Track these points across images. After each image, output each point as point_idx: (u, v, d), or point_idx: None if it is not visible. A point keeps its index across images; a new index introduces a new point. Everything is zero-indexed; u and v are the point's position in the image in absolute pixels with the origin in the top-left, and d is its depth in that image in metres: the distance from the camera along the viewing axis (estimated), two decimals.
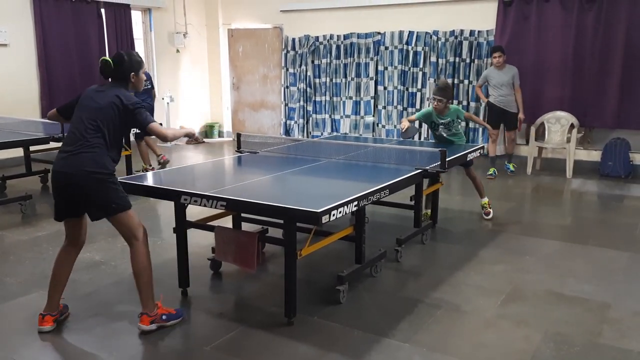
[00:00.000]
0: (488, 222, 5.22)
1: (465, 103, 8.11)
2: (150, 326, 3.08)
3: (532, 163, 7.48)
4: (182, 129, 3.54)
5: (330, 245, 3.72)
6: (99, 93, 3.07)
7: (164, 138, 3.22)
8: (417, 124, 5.33)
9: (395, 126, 8.77)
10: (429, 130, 5.36)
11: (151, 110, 7.03)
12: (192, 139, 3.61)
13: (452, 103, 5.14)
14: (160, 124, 3.38)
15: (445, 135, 5.13)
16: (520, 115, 7.20)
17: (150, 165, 7.18)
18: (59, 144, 5.97)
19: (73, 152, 2.95)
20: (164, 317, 3.14)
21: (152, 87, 7.55)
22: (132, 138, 7.05)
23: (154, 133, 3.15)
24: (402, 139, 5.30)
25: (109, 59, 3.11)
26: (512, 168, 7.39)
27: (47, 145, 5.91)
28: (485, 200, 5.30)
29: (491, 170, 7.15)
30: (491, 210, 5.27)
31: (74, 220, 3.12)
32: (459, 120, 5.17)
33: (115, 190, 3.01)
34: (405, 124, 5.03)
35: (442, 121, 5.08)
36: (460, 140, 5.22)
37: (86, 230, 3.20)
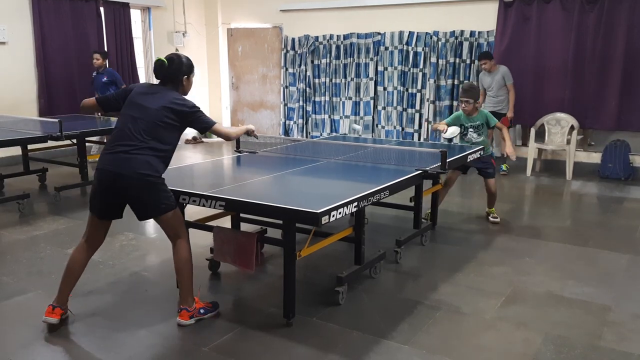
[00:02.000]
0: (488, 223, 5.20)
1: (462, 105, 8.07)
2: (189, 321, 3.14)
3: (532, 165, 7.47)
4: (242, 127, 3.63)
5: (329, 246, 3.70)
6: (151, 94, 3.07)
7: (227, 137, 3.37)
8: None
9: (394, 127, 8.75)
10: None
11: None
12: (252, 135, 3.69)
13: (480, 105, 5.06)
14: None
15: (474, 140, 5.06)
16: (509, 114, 7.24)
17: None
18: (57, 143, 6.02)
19: (125, 152, 2.95)
20: (201, 311, 3.21)
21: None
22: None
23: (219, 133, 3.26)
24: (445, 141, 5.21)
25: (165, 59, 3.10)
26: (504, 168, 7.43)
27: (45, 144, 5.89)
28: (493, 209, 5.28)
29: (504, 167, 7.43)
30: (498, 216, 5.24)
31: (103, 221, 3.13)
32: (488, 127, 5.11)
33: (164, 191, 3.04)
34: (443, 126, 4.92)
35: (472, 124, 5.04)
36: (487, 148, 5.12)
37: (107, 234, 3.22)
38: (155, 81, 3.22)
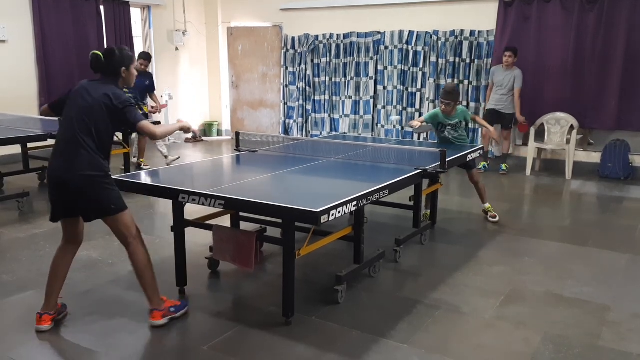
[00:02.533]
0: (487, 223, 5.20)
1: (465, 103, 8.08)
2: (162, 320, 3.13)
3: (532, 164, 7.47)
4: (176, 124, 3.41)
5: (328, 245, 3.70)
6: (88, 90, 3.00)
7: (153, 136, 3.11)
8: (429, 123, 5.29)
9: (394, 126, 8.75)
10: (434, 132, 5.34)
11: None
12: (192, 137, 3.49)
13: (459, 104, 5.15)
14: (159, 122, 3.37)
15: (450, 136, 5.13)
16: (519, 118, 7.28)
17: (147, 165, 7.21)
18: None
19: (67, 154, 2.92)
20: (172, 309, 3.19)
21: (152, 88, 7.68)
22: (133, 135, 7.10)
23: (144, 131, 3.06)
24: (415, 132, 5.32)
25: (100, 53, 3.04)
26: (504, 168, 7.44)
27: (45, 142, 5.88)
28: (488, 205, 5.28)
29: (504, 166, 7.46)
30: (497, 214, 5.24)
31: (71, 219, 3.10)
32: (465, 122, 5.18)
33: (112, 191, 2.99)
34: (416, 123, 5.06)
35: (450, 122, 5.09)
36: (465, 141, 5.23)
37: (83, 228, 3.18)
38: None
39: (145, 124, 3.04)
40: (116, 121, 3.01)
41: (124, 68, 3.08)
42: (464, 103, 8.09)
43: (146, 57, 7.47)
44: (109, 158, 3.06)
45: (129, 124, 3.02)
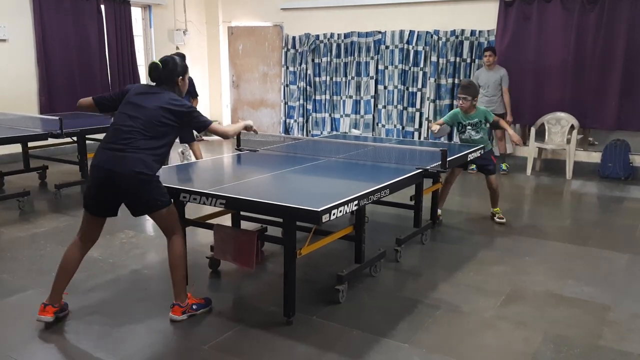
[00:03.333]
0: (488, 222, 5.20)
1: (460, 102, 8.06)
2: (181, 316, 3.16)
3: (532, 164, 7.47)
4: (240, 123, 3.61)
5: (329, 244, 3.71)
6: (148, 95, 3.10)
7: (225, 136, 3.40)
8: (448, 126, 5.26)
9: (395, 126, 8.75)
10: (456, 133, 5.29)
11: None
12: (252, 130, 3.70)
13: (477, 102, 5.09)
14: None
15: (471, 138, 5.06)
16: (509, 118, 7.29)
17: None
18: (58, 140, 6.01)
19: (121, 150, 2.96)
20: (194, 306, 3.24)
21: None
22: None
23: (216, 132, 3.28)
24: (433, 138, 5.29)
25: (159, 62, 3.15)
26: (504, 167, 7.45)
27: (45, 142, 5.89)
28: (498, 209, 5.26)
29: (504, 166, 7.48)
30: (504, 217, 5.22)
31: (101, 219, 3.14)
32: (487, 124, 5.11)
33: (159, 188, 3.06)
34: (435, 127, 5.01)
35: (470, 121, 5.03)
36: (487, 145, 5.12)
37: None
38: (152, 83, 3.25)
39: (217, 125, 3.25)
40: (183, 124, 3.12)
41: (180, 77, 3.21)
42: (459, 102, 8.06)
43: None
44: (164, 160, 3.15)
45: (200, 126, 3.17)
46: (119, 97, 3.18)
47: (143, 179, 2.96)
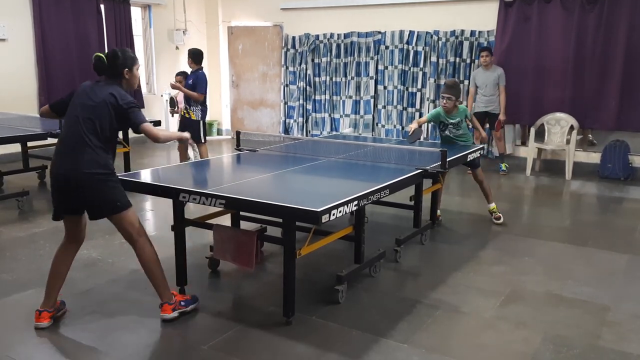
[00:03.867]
0: (488, 223, 5.20)
1: (465, 104, 8.07)
2: (173, 314, 3.16)
3: (532, 164, 7.47)
4: (175, 133, 3.52)
5: (329, 244, 3.70)
6: (93, 90, 3.03)
7: (155, 139, 3.13)
8: (424, 126, 5.29)
9: (395, 126, 8.75)
10: (436, 131, 5.34)
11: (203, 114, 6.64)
12: (184, 142, 3.61)
13: (459, 102, 5.12)
14: (159, 122, 3.42)
15: (452, 135, 5.11)
16: (501, 117, 7.32)
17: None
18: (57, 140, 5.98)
19: (72, 153, 2.94)
20: (182, 303, 3.23)
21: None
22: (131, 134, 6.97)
23: (146, 133, 3.09)
24: (408, 141, 5.26)
25: (103, 55, 3.07)
26: (504, 168, 7.46)
27: (45, 141, 5.88)
28: (493, 205, 5.25)
29: (504, 166, 7.49)
30: (501, 215, 5.23)
31: (74, 217, 3.11)
32: (467, 120, 5.16)
33: (117, 188, 3.02)
34: (413, 126, 5.01)
35: (452, 121, 5.07)
36: (468, 140, 5.19)
37: (85, 227, 3.19)
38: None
39: (148, 126, 3.06)
40: (120, 121, 3.04)
41: (126, 69, 3.10)
42: (464, 103, 8.08)
43: (191, 56, 6.65)
44: (114, 156, 3.09)
45: (132, 124, 3.05)
46: (70, 99, 3.12)
47: (97, 178, 2.93)
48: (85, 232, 3.20)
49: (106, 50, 8.53)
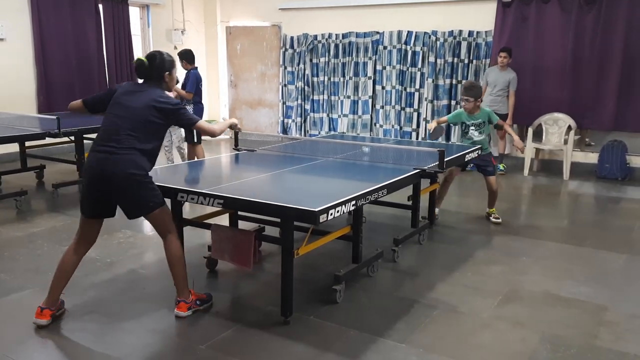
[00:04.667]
0: (486, 223, 5.21)
1: (463, 103, 8.08)
2: (187, 312, 3.20)
3: (530, 164, 7.49)
4: (226, 121, 3.63)
5: (327, 244, 3.71)
6: (135, 93, 3.10)
7: (212, 134, 3.35)
8: (444, 125, 5.29)
9: (393, 126, 8.76)
10: (459, 132, 5.32)
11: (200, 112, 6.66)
12: (236, 129, 3.71)
13: (481, 102, 5.09)
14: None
15: (475, 139, 5.07)
16: (508, 121, 7.32)
17: None
18: (55, 140, 5.99)
19: (112, 152, 2.96)
20: (197, 302, 3.27)
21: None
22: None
23: (202, 130, 3.29)
24: (430, 140, 5.26)
25: (144, 59, 3.14)
26: (502, 168, 7.48)
27: (43, 141, 5.88)
28: (493, 209, 5.27)
29: (502, 166, 7.51)
30: (500, 217, 5.23)
31: (97, 220, 3.14)
32: (490, 124, 5.13)
33: (152, 189, 3.06)
34: (432, 125, 5.03)
35: (474, 122, 5.05)
36: (486, 147, 5.14)
37: (100, 229, 3.22)
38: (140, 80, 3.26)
39: (203, 123, 3.24)
40: (170, 122, 3.13)
41: (167, 72, 3.19)
42: (462, 104, 8.08)
43: (183, 57, 6.67)
44: (155, 159, 3.14)
45: (186, 123, 3.17)
46: (108, 98, 3.16)
47: (135, 180, 2.97)
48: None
49: (105, 50, 8.63)
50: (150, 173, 3.08)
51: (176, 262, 3.19)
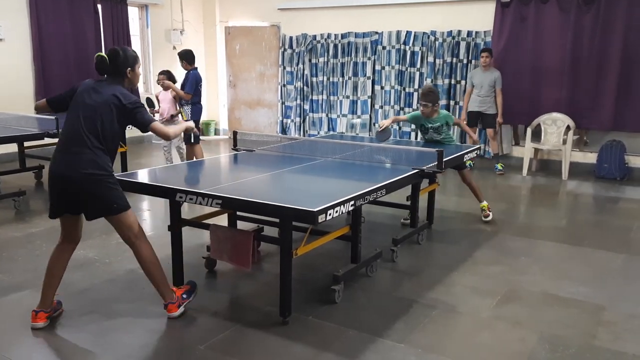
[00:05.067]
0: (484, 223, 5.21)
1: (461, 103, 8.10)
2: (178, 311, 3.21)
3: (528, 164, 7.49)
4: (181, 125, 3.54)
5: (325, 244, 3.70)
6: (95, 90, 3.03)
7: (166, 137, 3.21)
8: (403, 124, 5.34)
9: (392, 126, 8.73)
10: (419, 133, 5.42)
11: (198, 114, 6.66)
12: (191, 132, 3.64)
13: (439, 107, 5.17)
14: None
15: (434, 138, 5.18)
16: (499, 119, 7.44)
17: None
18: (54, 140, 5.99)
19: (71, 153, 2.93)
20: (184, 296, 3.27)
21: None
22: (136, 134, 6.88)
23: (156, 132, 3.14)
24: (376, 139, 5.24)
25: (105, 55, 3.07)
26: (499, 167, 7.49)
27: (42, 141, 5.87)
28: (485, 204, 5.29)
29: (499, 166, 7.53)
30: (490, 213, 5.25)
31: (71, 217, 3.10)
32: (448, 127, 5.22)
33: (115, 190, 3.01)
34: (387, 122, 5.05)
35: (432, 125, 5.13)
36: (451, 142, 5.26)
37: (82, 226, 3.18)
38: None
39: (157, 124, 3.12)
40: (125, 121, 3.05)
41: (129, 69, 3.11)
42: (461, 103, 8.11)
43: (183, 57, 6.69)
44: (113, 158, 3.09)
45: (140, 124, 3.05)
46: (70, 95, 3.11)
47: (96, 179, 2.92)
48: (81, 233, 3.20)
49: (103, 50, 8.62)
50: (114, 174, 3.05)
51: (151, 268, 3.12)
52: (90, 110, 2.96)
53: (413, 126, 8.39)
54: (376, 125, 8.85)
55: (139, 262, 3.13)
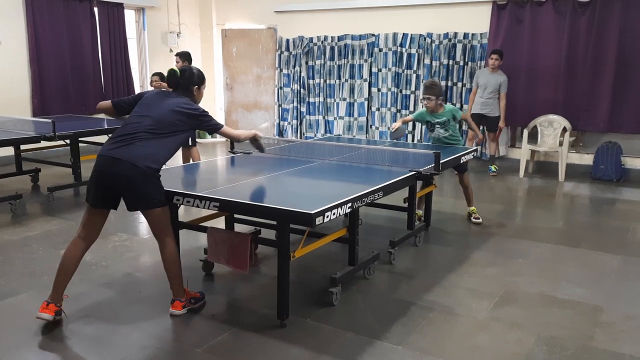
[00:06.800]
0: (482, 224, 5.21)
1: (458, 106, 8.11)
2: (182, 310, 3.26)
3: (525, 166, 7.51)
4: (252, 131, 3.77)
5: (323, 247, 3.71)
6: (163, 98, 3.24)
7: (237, 139, 3.64)
8: (410, 124, 5.34)
9: (389, 128, 8.77)
10: (425, 131, 5.40)
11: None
12: (256, 144, 3.80)
13: (444, 101, 5.13)
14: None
15: (441, 136, 5.11)
16: (501, 124, 7.42)
17: None
18: (50, 143, 5.99)
19: (126, 141, 3.05)
20: (192, 300, 3.33)
21: None
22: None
23: (228, 135, 3.47)
24: (390, 138, 5.28)
25: (177, 69, 3.33)
26: (494, 169, 7.50)
27: (38, 145, 5.86)
28: (473, 208, 5.30)
29: (493, 168, 7.54)
30: (480, 217, 5.26)
31: (103, 211, 3.18)
32: (456, 122, 5.17)
33: (158, 185, 3.12)
34: (397, 124, 5.04)
35: (438, 120, 5.06)
36: (458, 143, 5.20)
37: (103, 227, 3.26)
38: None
39: (228, 128, 3.39)
40: (194, 126, 3.28)
41: (195, 86, 3.37)
42: (457, 105, 8.12)
43: (178, 53, 6.88)
44: (167, 159, 3.23)
45: (211, 128, 3.31)
46: (136, 101, 3.31)
47: (145, 171, 3.02)
48: (99, 234, 3.26)
49: (100, 54, 8.62)
50: (160, 172, 3.16)
51: (172, 265, 3.22)
52: (155, 112, 3.15)
53: (411, 128, 8.42)
54: (373, 127, 8.89)
55: (163, 257, 3.22)
